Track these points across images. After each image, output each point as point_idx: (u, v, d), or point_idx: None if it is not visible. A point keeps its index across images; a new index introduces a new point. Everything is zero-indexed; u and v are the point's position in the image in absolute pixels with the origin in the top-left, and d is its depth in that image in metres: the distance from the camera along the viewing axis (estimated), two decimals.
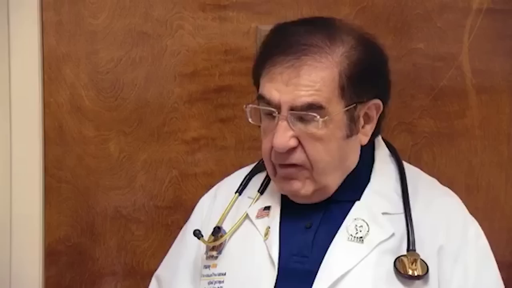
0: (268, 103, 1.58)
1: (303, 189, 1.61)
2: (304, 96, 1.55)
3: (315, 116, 1.55)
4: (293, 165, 1.60)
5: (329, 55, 1.56)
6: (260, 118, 1.63)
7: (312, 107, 1.55)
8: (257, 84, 1.64)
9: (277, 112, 1.57)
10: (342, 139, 1.59)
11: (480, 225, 1.69)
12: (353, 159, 1.65)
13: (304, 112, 1.55)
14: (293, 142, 1.57)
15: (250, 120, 1.65)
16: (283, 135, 1.56)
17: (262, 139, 1.63)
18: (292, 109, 1.55)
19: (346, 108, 1.57)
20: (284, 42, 1.59)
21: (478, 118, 2.21)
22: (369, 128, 1.64)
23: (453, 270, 1.59)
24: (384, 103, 1.65)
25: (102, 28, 2.17)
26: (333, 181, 1.62)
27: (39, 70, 2.17)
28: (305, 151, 1.58)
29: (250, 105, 1.64)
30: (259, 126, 1.65)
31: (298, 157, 1.58)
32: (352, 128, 1.60)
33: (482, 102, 2.20)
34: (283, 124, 1.56)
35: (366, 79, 1.59)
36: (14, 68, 2.17)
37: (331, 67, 1.56)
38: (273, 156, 1.60)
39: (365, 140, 1.64)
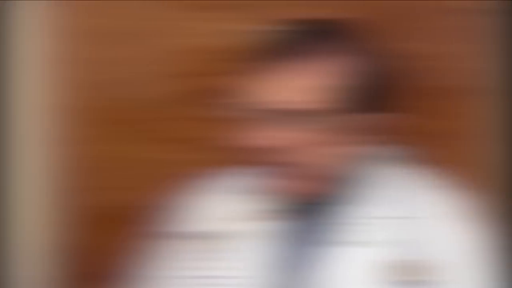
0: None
1: (283, 187, 1.61)
2: (292, 101, 1.53)
3: (300, 121, 1.53)
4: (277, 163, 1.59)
5: (327, 63, 1.53)
6: None
7: (298, 112, 1.53)
8: None
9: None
10: (329, 147, 1.58)
11: None
12: (341, 168, 1.64)
13: (290, 116, 1.54)
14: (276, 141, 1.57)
15: None
16: (267, 133, 1.56)
17: None
18: (278, 110, 1.55)
19: (335, 118, 1.56)
20: (286, 40, 1.56)
21: (475, 119, 2.21)
22: (364, 141, 1.62)
23: (455, 273, 1.59)
24: (385, 117, 1.59)
25: (95, 28, 2.18)
26: (315, 185, 1.62)
27: (37, 70, 2.19)
28: (287, 152, 1.58)
29: None
30: None
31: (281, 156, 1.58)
32: (340, 139, 1.59)
33: (480, 103, 2.20)
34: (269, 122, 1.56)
35: (364, 92, 1.55)
36: (14, 68, 2.19)
37: (325, 75, 1.54)
38: None
39: (358, 151, 1.63)
